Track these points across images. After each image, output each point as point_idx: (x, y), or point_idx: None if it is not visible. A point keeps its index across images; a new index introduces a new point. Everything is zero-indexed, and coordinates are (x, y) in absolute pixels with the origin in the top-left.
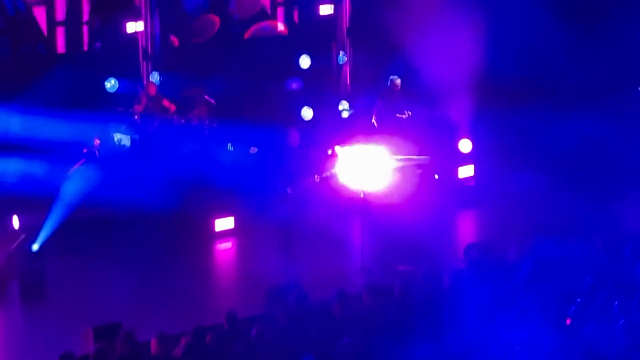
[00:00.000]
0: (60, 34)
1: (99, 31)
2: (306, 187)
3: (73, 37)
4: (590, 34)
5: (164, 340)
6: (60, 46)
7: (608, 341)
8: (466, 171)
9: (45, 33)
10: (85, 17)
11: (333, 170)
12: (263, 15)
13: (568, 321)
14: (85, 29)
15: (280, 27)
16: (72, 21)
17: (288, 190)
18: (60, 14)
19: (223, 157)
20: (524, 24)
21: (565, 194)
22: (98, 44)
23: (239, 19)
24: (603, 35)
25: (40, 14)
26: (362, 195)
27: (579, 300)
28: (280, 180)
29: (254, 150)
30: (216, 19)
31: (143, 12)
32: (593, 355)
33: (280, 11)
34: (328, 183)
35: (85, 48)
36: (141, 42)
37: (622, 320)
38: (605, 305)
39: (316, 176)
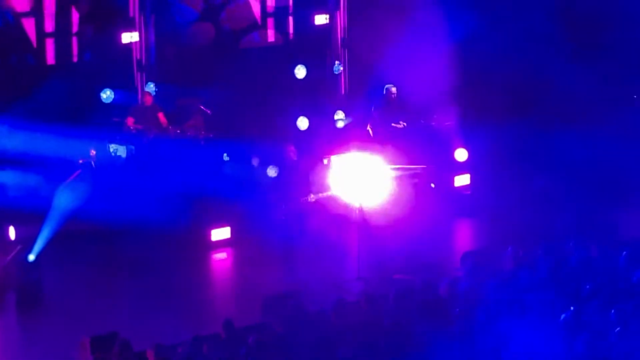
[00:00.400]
0: (49, 45)
1: (91, 42)
2: (301, 206)
3: (63, 48)
4: (587, 41)
5: (160, 350)
6: (50, 57)
7: (605, 348)
8: (462, 180)
9: (35, 44)
10: (75, 28)
11: (328, 192)
12: (254, 25)
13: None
14: (74, 40)
15: (271, 37)
16: (62, 32)
17: (283, 207)
18: (50, 25)
19: (219, 167)
20: (520, 32)
21: (562, 201)
22: (88, 55)
23: (230, 29)
24: (600, 42)
25: (29, 25)
26: (358, 205)
27: (572, 308)
28: (277, 192)
29: (256, 161)
30: (211, 28)
31: (137, 22)
32: None
33: (270, 21)
34: (324, 200)
35: (75, 59)
36: (135, 53)
37: (619, 328)
38: (602, 313)
39: (311, 195)
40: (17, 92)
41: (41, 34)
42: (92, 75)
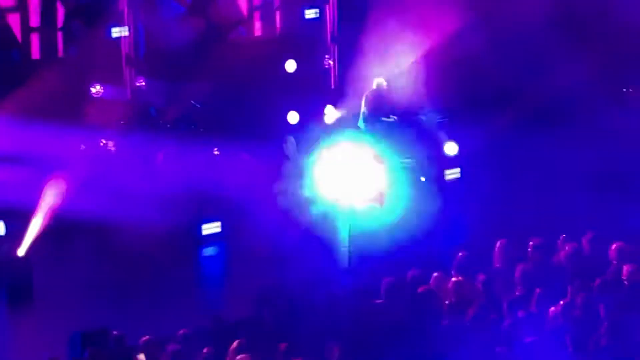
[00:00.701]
0: (35, 40)
1: (79, 36)
2: (294, 200)
3: (48, 43)
4: (577, 34)
5: (150, 346)
6: (35, 52)
7: (594, 343)
8: (453, 174)
9: (20, 39)
10: (60, 22)
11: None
12: (241, 19)
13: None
14: (60, 35)
15: (257, 31)
16: (47, 27)
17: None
18: (35, 19)
19: (209, 161)
20: (510, 27)
21: (553, 195)
22: (74, 50)
23: (217, 23)
24: (590, 34)
25: (14, 20)
26: (348, 199)
27: (562, 302)
28: (269, 186)
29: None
30: (199, 22)
31: (125, 17)
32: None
33: (257, 15)
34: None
35: (61, 54)
36: (124, 48)
37: (607, 322)
38: (590, 307)
39: (307, 190)
40: (2, 87)
41: (26, 29)
42: (80, 70)
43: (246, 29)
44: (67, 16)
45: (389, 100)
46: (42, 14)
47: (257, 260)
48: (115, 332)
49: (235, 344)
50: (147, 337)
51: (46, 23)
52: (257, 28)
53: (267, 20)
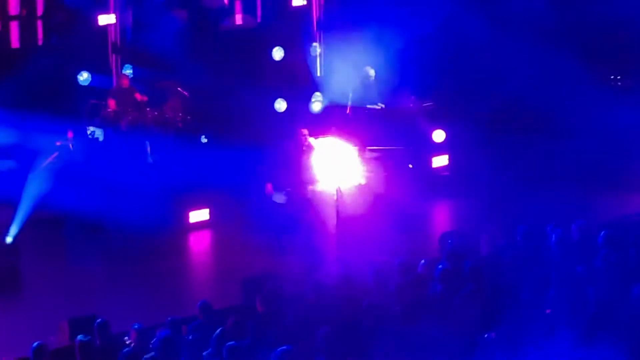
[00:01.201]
0: (14, 28)
1: (65, 24)
2: (297, 195)
3: (28, 32)
4: (563, 25)
5: (141, 332)
6: (15, 41)
7: (582, 329)
8: (440, 161)
9: None
10: (40, 11)
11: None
12: (222, 8)
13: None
14: (39, 23)
15: (238, 20)
16: (27, 15)
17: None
18: (14, 8)
19: (196, 149)
20: (498, 17)
21: (541, 183)
22: (55, 38)
23: (201, 12)
24: (577, 24)
25: None
26: (336, 188)
27: (553, 289)
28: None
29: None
30: (185, 10)
31: (112, 4)
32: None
33: (238, 4)
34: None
35: (40, 42)
36: (110, 35)
37: (595, 309)
38: (580, 294)
39: (309, 188)
40: None
41: (5, 17)
42: (65, 58)
43: (229, 19)
44: (52, 4)
45: (376, 87)
46: (21, 2)
47: (246, 248)
48: (99, 319)
49: (218, 331)
50: (136, 324)
51: (26, 11)
52: (238, 17)
53: (249, 10)
